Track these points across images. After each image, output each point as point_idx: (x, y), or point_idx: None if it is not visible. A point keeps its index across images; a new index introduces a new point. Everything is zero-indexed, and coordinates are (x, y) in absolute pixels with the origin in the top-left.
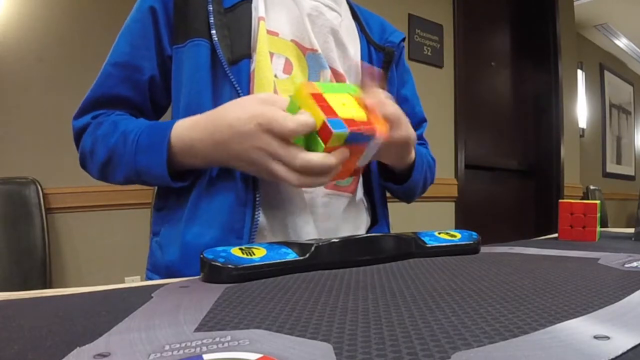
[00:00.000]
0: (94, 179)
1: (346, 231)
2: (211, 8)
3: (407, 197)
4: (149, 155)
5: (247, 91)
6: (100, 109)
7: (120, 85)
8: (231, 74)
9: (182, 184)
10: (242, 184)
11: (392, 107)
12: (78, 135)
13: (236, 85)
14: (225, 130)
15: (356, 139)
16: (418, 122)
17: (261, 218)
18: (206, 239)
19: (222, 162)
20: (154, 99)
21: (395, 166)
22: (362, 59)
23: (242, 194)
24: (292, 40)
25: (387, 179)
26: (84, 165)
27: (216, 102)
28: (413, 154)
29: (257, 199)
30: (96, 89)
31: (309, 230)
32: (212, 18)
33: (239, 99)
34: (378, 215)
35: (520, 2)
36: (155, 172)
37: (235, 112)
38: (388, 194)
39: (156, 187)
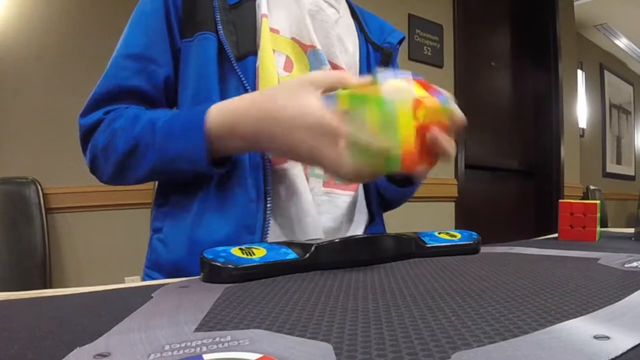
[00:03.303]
0: (103, 183)
1: (348, 229)
2: (217, 4)
3: (398, 202)
4: (184, 139)
5: (254, 87)
6: (112, 104)
7: (135, 77)
8: (239, 69)
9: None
10: (252, 179)
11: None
12: (87, 134)
13: (244, 81)
14: (272, 118)
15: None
16: None
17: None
18: (218, 236)
19: (262, 147)
20: (168, 92)
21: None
22: (360, 57)
23: (254, 189)
24: (292, 39)
25: (390, 179)
26: (94, 166)
27: (223, 97)
28: None
29: (269, 192)
30: (108, 82)
31: (315, 225)
32: (217, 14)
33: (285, 83)
34: (374, 214)
35: (520, 2)
36: (191, 157)
37: (282, 99)
38: None
39: (156, 183)
